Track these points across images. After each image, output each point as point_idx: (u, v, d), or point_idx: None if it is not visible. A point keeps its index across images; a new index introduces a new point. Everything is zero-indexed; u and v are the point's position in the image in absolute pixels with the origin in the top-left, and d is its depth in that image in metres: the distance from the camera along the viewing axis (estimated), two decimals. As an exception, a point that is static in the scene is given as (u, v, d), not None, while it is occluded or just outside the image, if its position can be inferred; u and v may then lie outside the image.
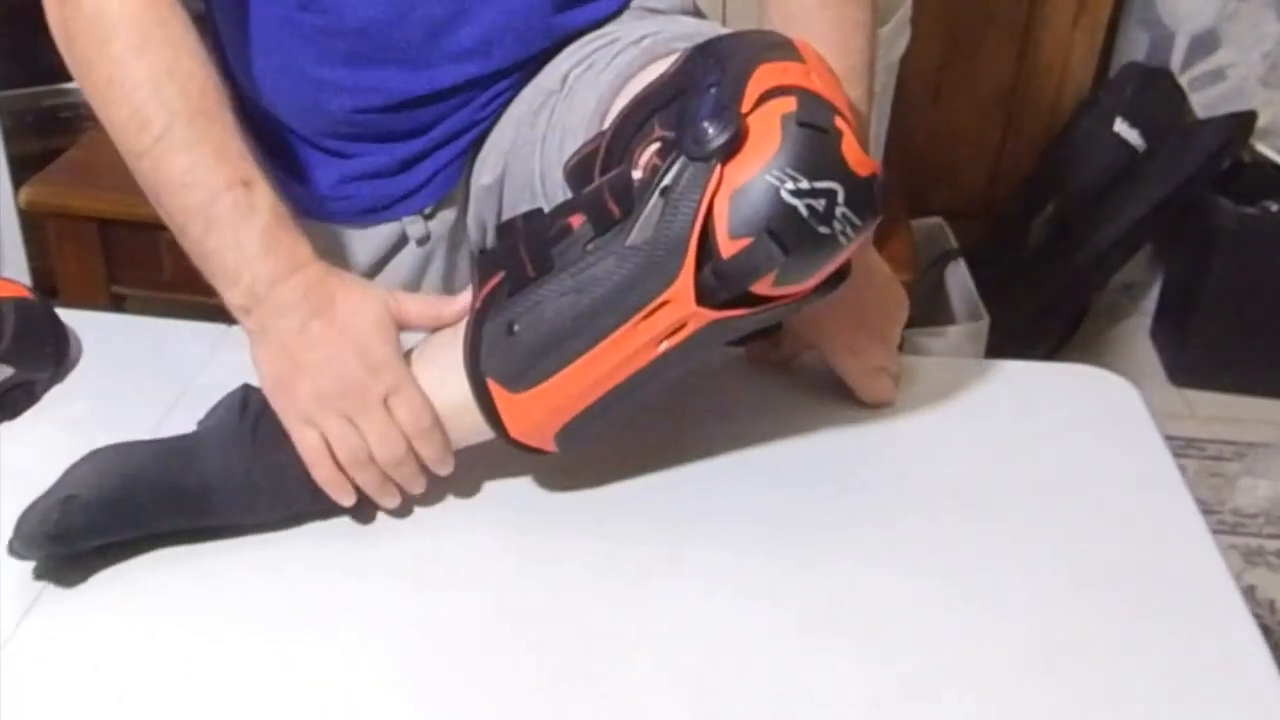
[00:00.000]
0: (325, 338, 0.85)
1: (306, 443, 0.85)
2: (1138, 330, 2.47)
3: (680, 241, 0.79)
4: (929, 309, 2.09)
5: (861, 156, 0.79)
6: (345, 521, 0.88)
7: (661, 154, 0.80)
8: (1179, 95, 2.37)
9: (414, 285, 1.10)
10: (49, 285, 1.77)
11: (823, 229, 0.78)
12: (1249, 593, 1.71)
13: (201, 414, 0.89)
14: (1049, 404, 1.04)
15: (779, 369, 1.06)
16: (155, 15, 0.88)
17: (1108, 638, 0.80)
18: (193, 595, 0.83)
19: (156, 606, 0.82)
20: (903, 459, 0.97)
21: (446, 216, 1.08)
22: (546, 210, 0.93)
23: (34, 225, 1.89)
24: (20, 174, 1.87)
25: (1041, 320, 2.32)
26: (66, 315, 1.06)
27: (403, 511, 0.89)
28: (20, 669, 0.77)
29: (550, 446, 0.87)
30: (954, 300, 2.12)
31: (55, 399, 1.00)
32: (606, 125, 0.89)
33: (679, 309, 0.81)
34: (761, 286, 0.80)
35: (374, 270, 1.09)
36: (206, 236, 0.87)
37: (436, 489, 0.90)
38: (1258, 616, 0.82)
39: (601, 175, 0.86)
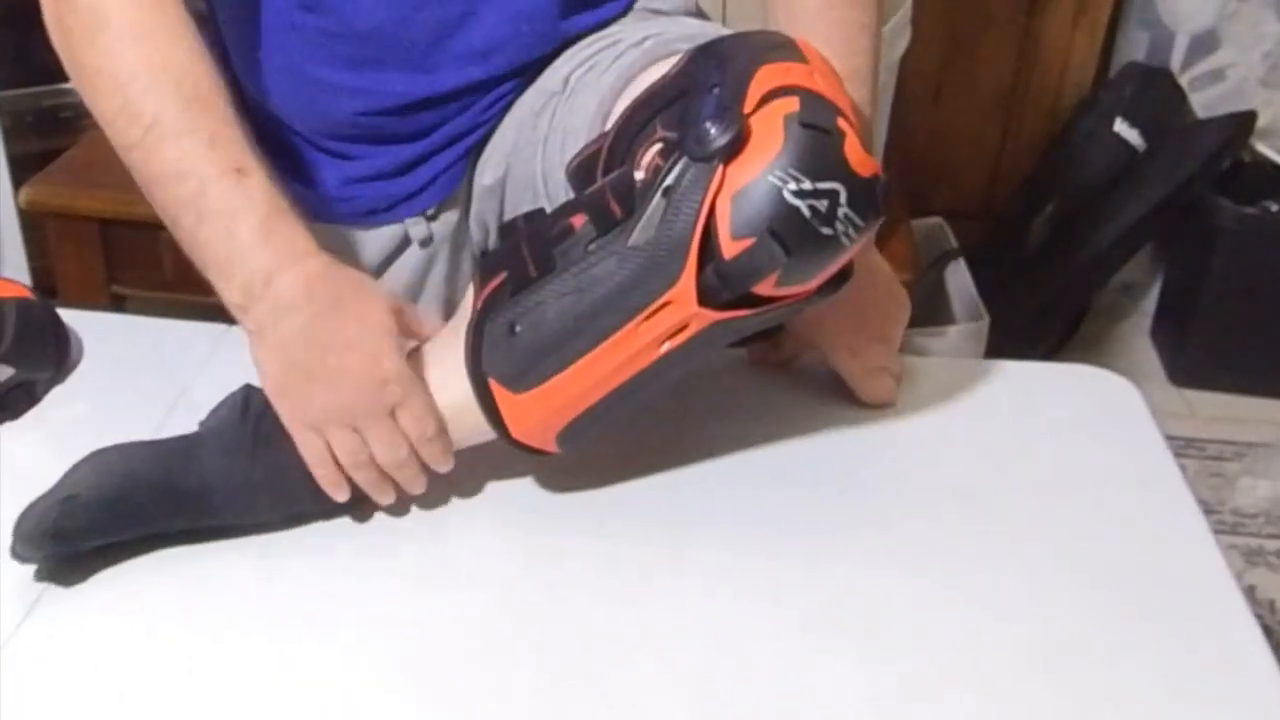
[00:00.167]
0: (332, 345, 0.84)
1: (309, 446, 0.85)
2: (1138, 330, 2.47)
3: (682, 242, 0.79)
4: (929, 309, 2.09)
5: (864, 157, 0.79)
6: (346, 522, 0.88)
7: (664, 154, 0.80)
8: (1179, 95, 2.37)
9: (417, 286, 1.09)
10: (49, 285, 1.77)
11: (825, 230, 0.78)
12: (1249, 593, 1.70)
13: (202, 414, 0.89)
14: (1049, 404, 1.04)
15: (780, 370, 1.06)
16: (149, 5, 0.87)
17: (1108, 638, 0.80)
18: (193, 595, 0.83)
19: (157, 606, 0.82)
20: (903, 459, 0.97)
21: (449, 218, 1.08)
22: (548, 211, 0.93)
23: (34, 225, 1.89)
24: (20, 174, 1.86)
25: (1041, 320, 2.32)
26: (66, 315, 1.06)
27: (403, 511, 0.89)
28: (21, 669, 0.77)
29: (552, 447, 0.87)
30: (954, 300, 2.12)
31: (56, 399, 1.00)
32: (609, 126, 0.89)
33: (681, 310, 0.81)
34: (764, 287, 0.80)
35: (377, 272, 1.08)
36: (198, 228, 0.85)
37: (438, 490, 0.90)
38: (1258, 616, 0.82)
39: (604, 176, 0.86)
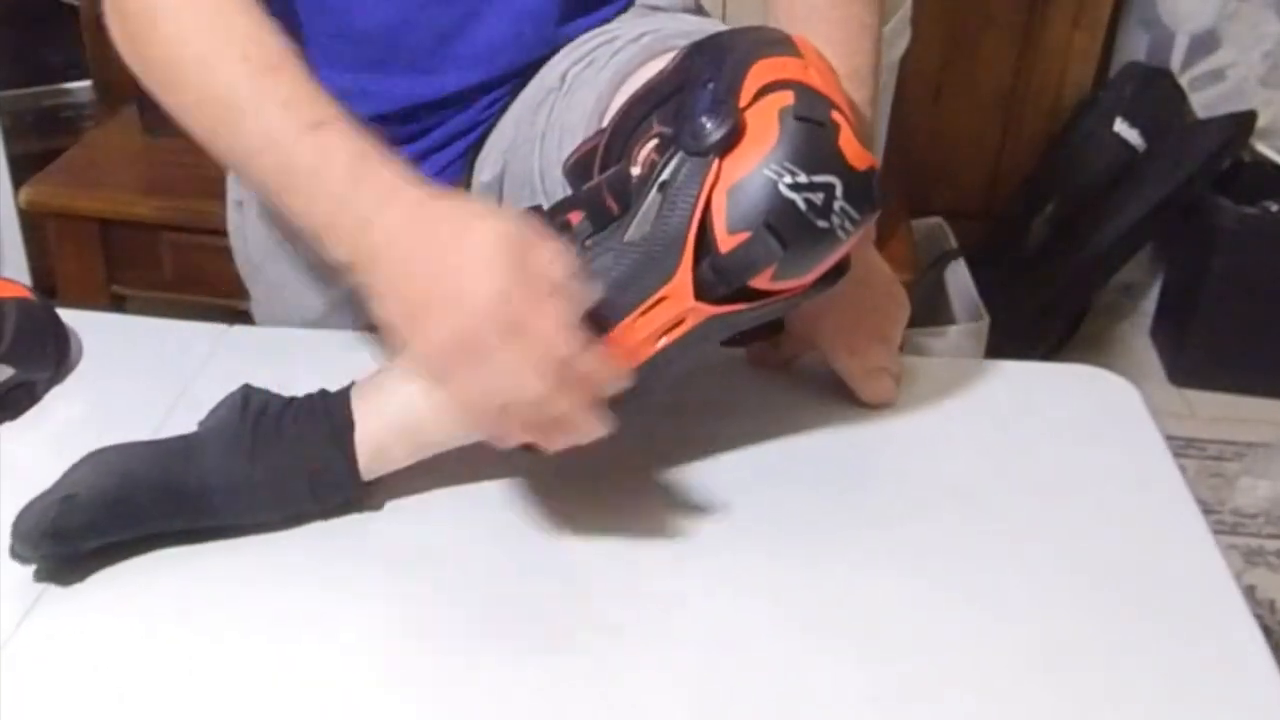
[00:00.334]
0: (441, 274, 0.77)
1: (457, 395, 0.79)
2: (1138, 330, 2.47)
3: (678, 236, 0.79)
4: (929, 309, 2.09)
5: (859, 150, 0.79)
6: (345, 522, 0.88)
7: (660, 150, 0.80)
8: (1179, 95, 2.37)
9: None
10: (49, 285, 1.77)
11: (821, 223, 0.78)
12: (1249, 593, 1.70)
13: (202, 414, 0.89)
14: (1049, 404, 1.04)
15: (780, 370, 1.06)
16: None
17: (1108, 638, 0.80)
18: (193, 595, 0.83)
19: (156, 607, 0.82)
20: (903, 459, 0.97)
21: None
22: (546, 208, 0.93)
23: (34, 225, 1.89)
24: (20, 174, 1.87)
25: (1041, 320, 2.32)
26: (66, 315, 1.06)
27: (402, 511, 0.89)
28: (20, 669, 0.77)
29: (550, 443, 0.87)
30: (954, 300, 2.12)
31: (56, 399, 1.00)
32: (605, 123, 0.89)
33: (677, 304, 0.81)
34: (760, 281, 0.80)
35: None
36: (295, 197, 0.82)
37: (437, 489, 0.90)
38: (1258, 616, 0.82)
39: (600, 173, 0.86)
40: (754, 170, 0.77)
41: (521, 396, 0.76)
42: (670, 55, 0.88)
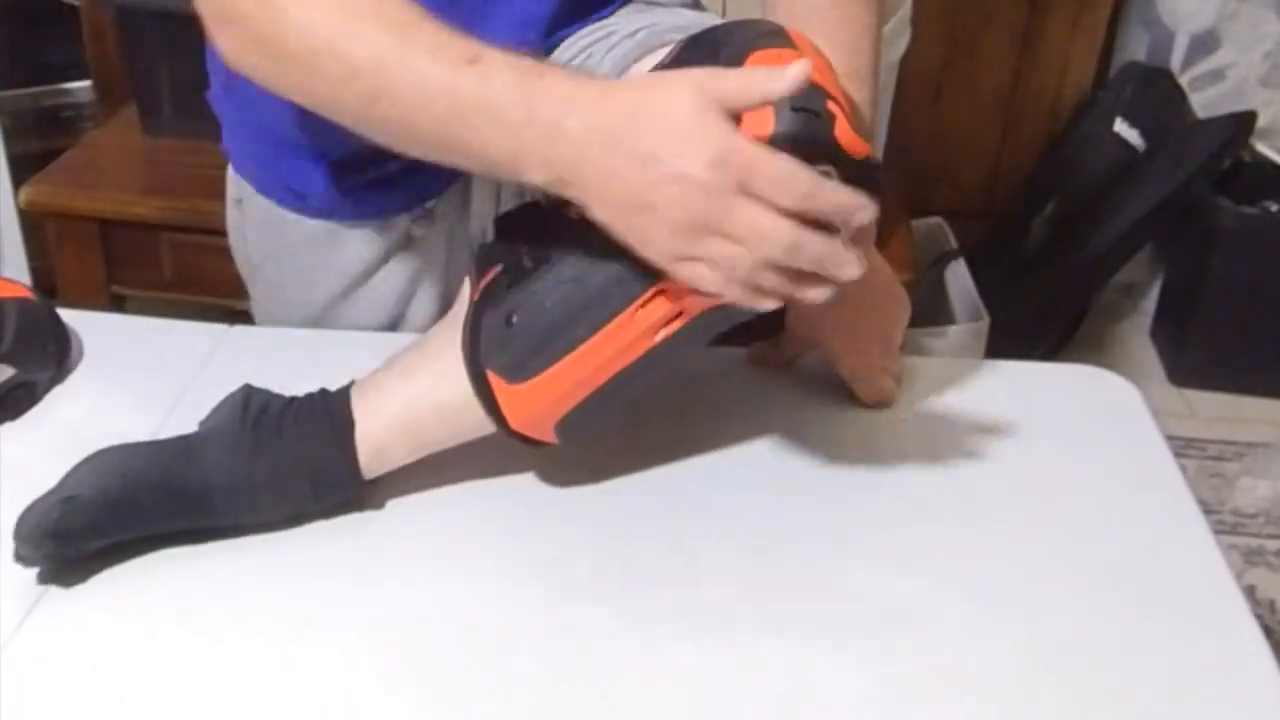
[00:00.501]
0: (647, 159, 0.74)
1: (700, 279, 0.77)
2: (1138, 330, 2.47)
3: None
4: (929, 309, 2.09)
5: (854, 139, 0.79)
6: (346, 521, 0.88)
7: None
8: (1179, 95, 2.37)
9: (414, 280, 1.09)
10: (49, 285, 1.77)
11: None
12: (1249, 593, 1.70)
13: (202, 414, 0.89)
14: (1049, 404, 1.04)
15: (780, 370, 1.06)
16: None
17: (1108, 638, 0.80)
18: (193, 595, 0.83)
19: (157, 606, 0.82)
20: (903, 459, 0.97)
21: (446, 212, 1.08)
22: (544, 203, 0.93)
23: (34, 225, 1.88)
24: (20, 174, 1.86)
25: (1041, 320, 2.32)
26: (67, 315, 1.06)
27: (403, 510, 0.89)
28: (21, 669, 0.77)
29: (550, 438, 0.87)
30: (954, 300, 2.12)
31: (56, 399, 1.00)
32: None
33: (675, 296, 0.81)
34: None
35: (374, 267, 1.08)
36: (475, 138, 0.78)
37: (438, 488, 0.90)
38: (1258, 617, 0.82)
39: None
40: None
41: (774, 249, 0.74)
42: (666, 49, 0.88)
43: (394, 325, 1.10)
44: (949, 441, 0.99)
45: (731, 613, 0.82)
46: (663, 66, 0.86)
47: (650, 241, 0.77)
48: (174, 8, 1.69)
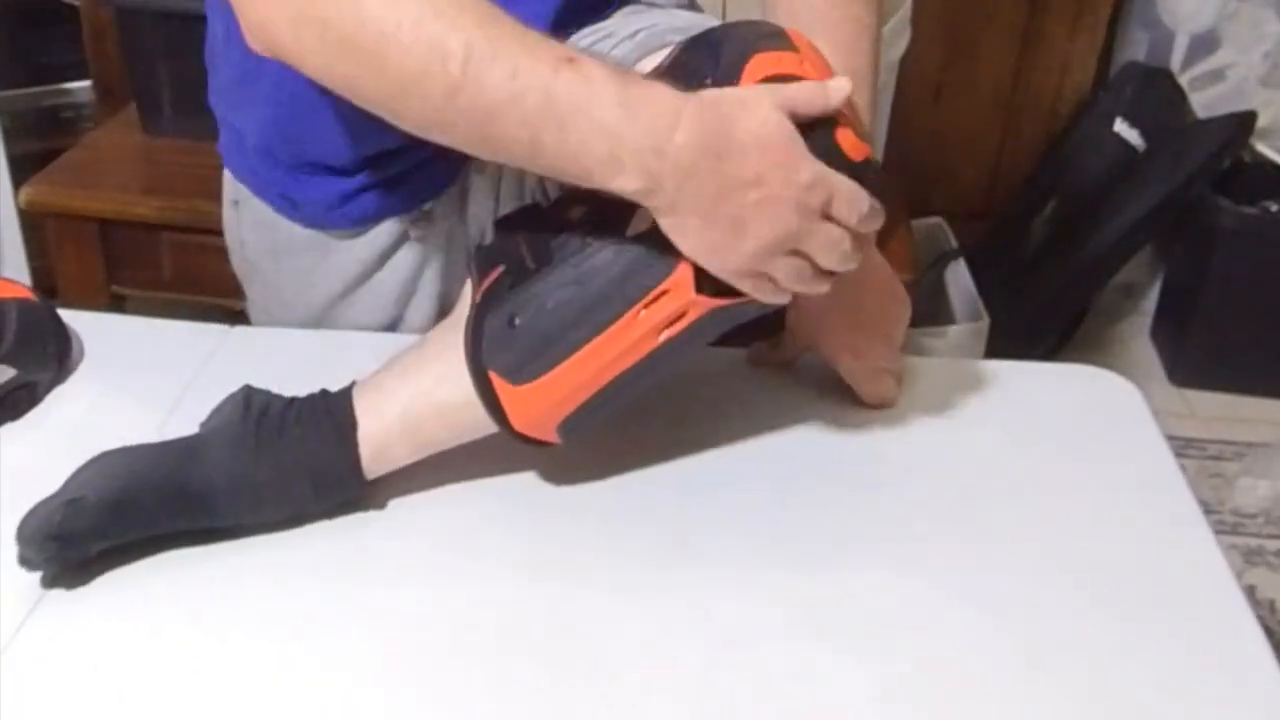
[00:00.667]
0: (745, 183, 0.77)
1: (758, 289, 0.81)
2: (1138, 330, 2.47)
3: None
4: (929, 309, 2.09)
5: (855, 142, 0.79)
6: (348, 521, 0.88)
7: None
8: (1179, 95, 2.37)
9: (412, 283, 1.09)
10: (49, 285, 1.77)
11: None
12: (1249, 593, 1.70)
13: (203, 414, 0.89)
14: (1049, 404, 1.04)
15: (780, 370, 1.06)
16: None
17: (1108, 638, 0.80)
18: (195, 595, 0.83)
19: (158, 607, 0.82)
20: (903, 459, 0.97)
21: (445, 213, 1.08)
22: (545, 204, 0.93)
23: (34, 225, 1.88)
24: (20, 174, 1.86)
25: (1041, 320, 2.32)
26: (67, 315, 1.06)
27: (405, 510, 0.89)
28: (22, 670, 0.77)
29: (553, 438, 0.87)
30: (954, 300, 2.12)
31: (57, 400, 1.00)
32: None
33: (679, 297, 0.81)
34: None
35: (373, 268, 1.08)
36: (566, 138, 0.76)
37: (440, 487, 0.90)
38: (1258, 617, 0.82)
39: None
40: None
41: (839, 263, 0.80)
42: (666, 51, 0.88)
43: (393, 326, 1.10)
44: (949, 441, 0.99)
45: (731, 613, 0.82)
46: (663, 68, 0.86)
47: (727, 257, 0.79)
48: (174, 8, 1.69)
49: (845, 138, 0.79)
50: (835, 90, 0.79)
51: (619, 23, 1.01)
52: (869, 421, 1.00)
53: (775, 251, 0.79)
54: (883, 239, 0.88)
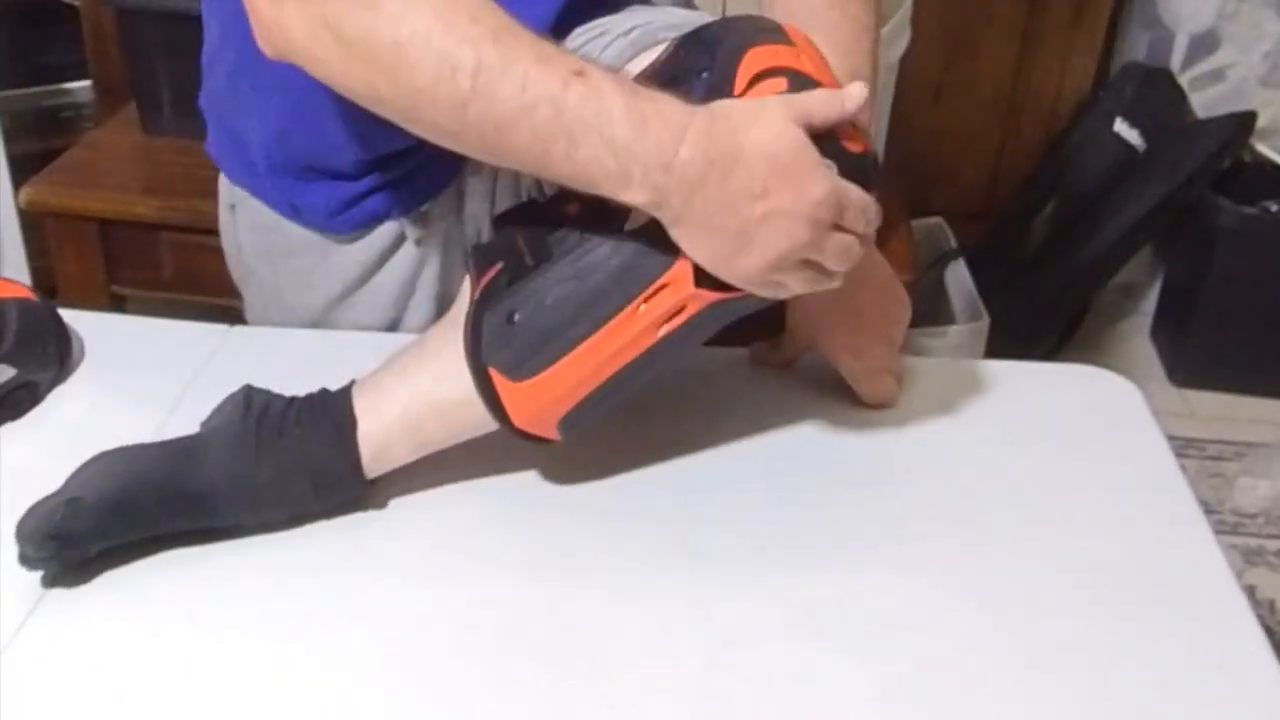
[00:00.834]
0: (752, 196, 0.77)
1: (771, 293, 0.82)
2: (1138, 330, 2.47)
3: None
4: (929, 309, 2.09)
5: (854, 135, 0.79)
6: (348, 521, 0.88)
7: None
8: (1179, 95, 2.37)
9: (410, 282, 1.09)
10: (49, 285, 1.77)
11: None
12: (1249, 592, 1.70)
13: (203, 414, 0.89)
14: (1049, 404, 1.04)
15: (781, 370, 1.06)
16: None
17: (1108, 638, 0.80)
18: (195, 595, 0.83)
19: (159, 607, 0.82)
20: (903, 459, 0.97)
21: (442, 212, 1.08)
22: (542, 200, 0.93)
23: (34, 225, 1.88)
24: (20, 174, 1.86)
25: (1041, 320, 2.32)
26: (67, 315, 1.06)
27: (405, 510, 0.89)
28: (22, 670, 0.77)
29: (553, 435, 0.87)
30: (954, 300, 2.12)
31: (57, 400, 1.00)
32: None
33: (678, 292, 0.81)
34: None
35: (371, 270, 1.08)
36: (575, 151, 0.77)
37: (441, 487, 0.90)
38: (1258, 617, 0.82)
39: None
40: None
41: (853, 261, 0.81)
42: (661, 47, 0.88)
43: (392, 328, 1.10)
44: (949, 441, 0.99)
45: (731, 613, 0.82)
46: (658, 63, 0.86)
47: (737, 267, 0.80)
48: (174, 8, 1.69)
49: (843, 130, 0.80)
50: (851, 98, 0.79)
51: (615, 20, 1.01)
52: (869, 421, 1.00)
53: (785, 264, 0.80)
54: (883, 239, 0.88)
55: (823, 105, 0.79)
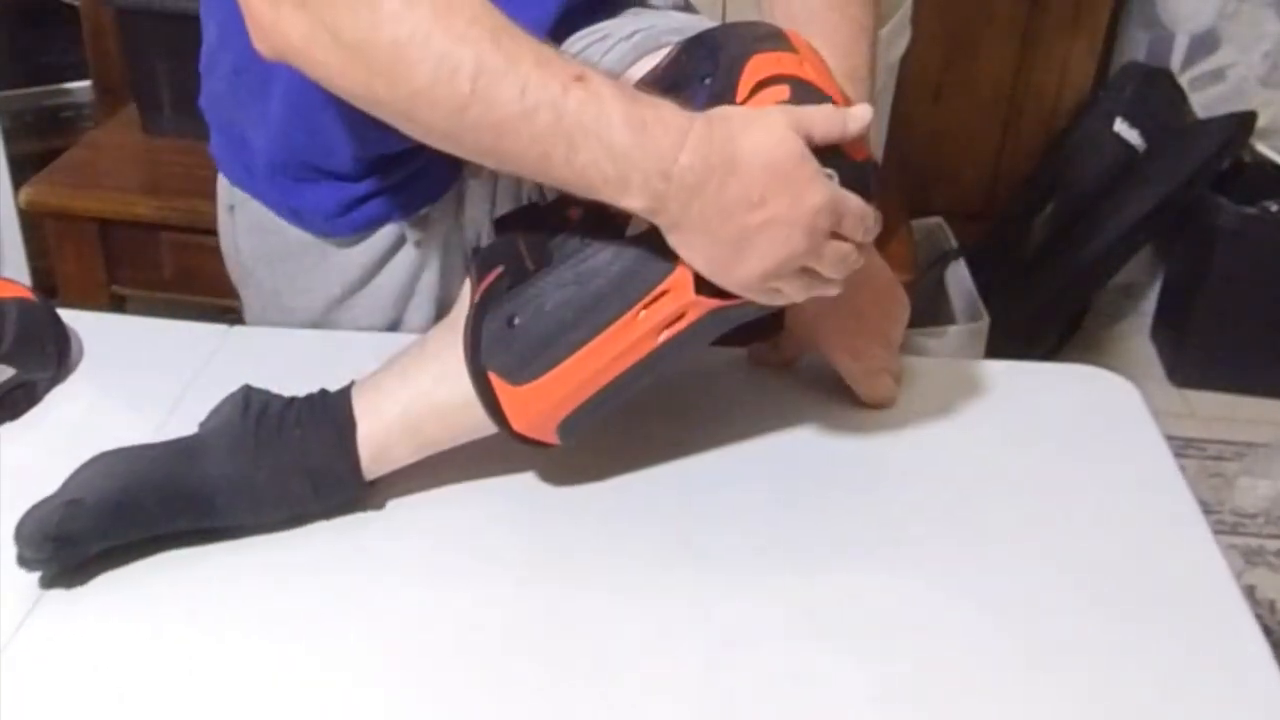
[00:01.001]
0: (750, 203, 0.77)
1: (768, 300, 0.83)
2: (1138, 330, 2.48)
3: None
4: (929, 309, 2.09)
5: (855, 142, 0.79)
6: (347, 521, 0.88)
7: None
8: (1179, 95, 2.37)
9: (409, 285, 1.09)
10: (49, 285, 1.77)
11: None
12: (1249, 593, 1.70)
13: (203, 415, 0.89)
14: (1049, 404, 1.04)
15: (780, 370, 1.06)
16: None
17: (1108, 638, 0.80)
18: (195, 596, 0.83)
19: (158, 607, 0.82)
20: (903, 459, 0.97)
21: (442, 216, 1.08)
22: (544, 204, 0.93)
23: (34, 225, 1.89)
24: (20, 174, 1.87)
25: (1041, 320, 2.32)
26: (67, 315, 1.05)
27: (404, 511, 0.89)
28: (22, 670, 0.77)
29: (553, 439, 0.87)
30: (954, 300, 2.12)
31: (57, 400, 1.00)
32: None
33: (678, 298, 0.81)
34: None
35: (371, 273, 1.08)
36: (574, 156, 0.76)
37: (441, 488, 0.90)
38: (1258, 617, 0.82)
39: None
40: None
41: (851, 267, 0.82)
42: (663, 52, 0.88)
43: (391, 330, 1.10)
44: (949, 441, 0.99)
45: (732, 613, 0.82)
46: (660, 68, 0.86)
47: (734, 274, 0.80)
48: (174, 8, 1.70)
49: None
50: (854, 119, 0.79)
51: (616, 25, 1.01)
52: (869, 422, 1.00)
53: (783, 271, 0.80)
54: (883, 239, 0.88)
55: (824, 123, 0.79)
